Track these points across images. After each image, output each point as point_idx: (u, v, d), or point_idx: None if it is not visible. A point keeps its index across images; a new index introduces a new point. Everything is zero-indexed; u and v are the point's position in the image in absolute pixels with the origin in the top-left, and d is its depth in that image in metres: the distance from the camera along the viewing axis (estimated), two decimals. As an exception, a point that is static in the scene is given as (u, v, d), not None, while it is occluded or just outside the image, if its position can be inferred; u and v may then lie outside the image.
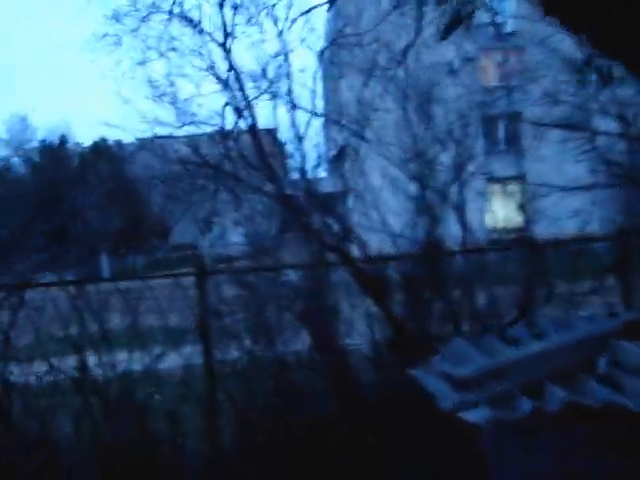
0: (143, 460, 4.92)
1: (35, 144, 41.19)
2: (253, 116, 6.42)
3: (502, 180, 11.78)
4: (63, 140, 43.60)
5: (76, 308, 4.85)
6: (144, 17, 6.84)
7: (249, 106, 6.40)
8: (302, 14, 6.45)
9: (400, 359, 4.96)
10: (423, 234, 5.51)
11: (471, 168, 6.04)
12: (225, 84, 6.43)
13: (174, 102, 6.51)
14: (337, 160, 10.52)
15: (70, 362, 4.94)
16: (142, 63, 6.72)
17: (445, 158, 6.08)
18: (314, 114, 6.33)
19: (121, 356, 5.07)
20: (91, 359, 4.98)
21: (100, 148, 41.96)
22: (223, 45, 6.52)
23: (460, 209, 5.67)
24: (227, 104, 6.44)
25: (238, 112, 6.42)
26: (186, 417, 5.11)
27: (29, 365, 4.85)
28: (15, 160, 41.11)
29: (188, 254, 38.05)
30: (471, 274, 5.38)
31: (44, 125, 47.18)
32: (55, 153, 41.60)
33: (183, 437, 5.12)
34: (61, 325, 4.87)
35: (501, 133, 24.18)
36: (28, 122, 41.19)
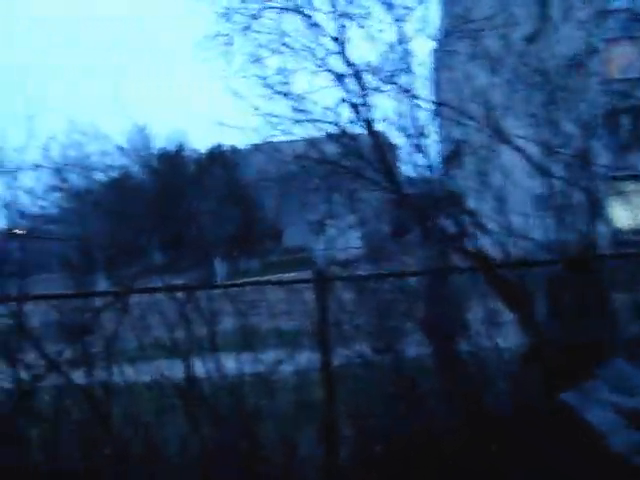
0: (253, 469, 4.74)
1: (154, 152, 42.61)
2: (370, 112, 6.15)
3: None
4: (180, 147, 44.96)
5: (184, 313, 4.73)
6: (255, 14, 6.71)
7: (366, 101, 6.13)
8: (421, 2, 6.11)
9: (536, 371, 4.54)
10: (566, 237, 5.01)
11: (609, 164, 5.53)
12: (340, 79, 6.19)
13: (288, 99, 6.33)
14: (455, 157, 10.05)
15: (177, 366, 4.82)
16: (255, 61, 6.57)
17: (579, 153, 5.60)
18: (436, 107, 5.97)
19: (230, 361, 4.92)
20: (199, 364, 4.84)
21: (215, 154, 42.99)
22: (337, 39, 6.29)
23: (603, 209, 5.16)
24: (343, 100, 6.21)
25: (354, 108, 6.16)
26: (299, 424, 4.89)
27: (134, 368, 4.78)
28: (135, 168, 42.65)
29: (301, 257, 38.40)
30: (626, 281, 4.83)
31: (162, 133, 48.62)
32: (172, 160, 42.90)
33: (296, 445, 4.89)
34: (169, 329, 4.77)
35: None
36: (147, 131, 42.59)
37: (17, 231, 6.51)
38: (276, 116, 6.34)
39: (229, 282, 5.22)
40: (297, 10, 6.49)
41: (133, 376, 4.78)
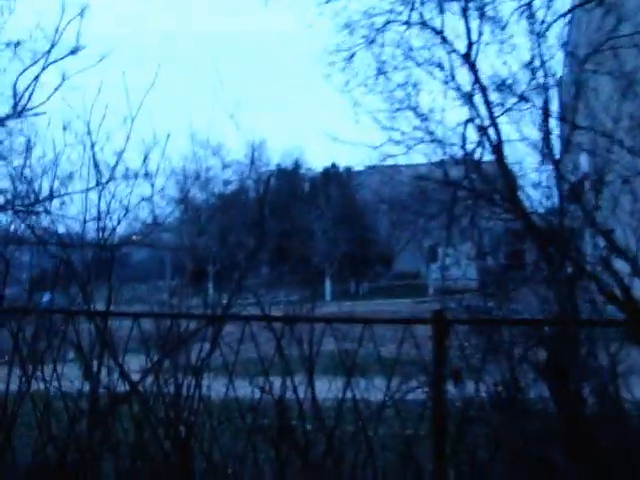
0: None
1: (271, 168, 43.20)
2: (499, 135, 5.65)
3: None
4: (296, 165, 45.42)
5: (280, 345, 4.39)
6: (380, 28, 6.37)
7: (494, 122, 5.64)
8: (561, 15, 5.57)
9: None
10: None
11: None
12: (468, 99, 5.73)
13: (414, 115, 5.92)
14: (579, 189, 9.32)
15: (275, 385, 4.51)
16: (378, 74, 6.22)
17: None
18: (572, 131, 5.38)
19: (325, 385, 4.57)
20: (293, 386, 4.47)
21: (330, 174, 43.13)
22: (466, 55, 5.84)
23: None
24: (469, 120, 5.74)
25: (482, 130, 5.68)
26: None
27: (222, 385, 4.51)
28: (251, 184, 43.38)
29: (412, 283, 37.81)
30: None
31: (280, 149, 49.02)
32: (288, 177, 43.36)
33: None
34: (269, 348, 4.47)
35: None
36: (265, 147, 43.24)
37: (134, 237, 6.48)
38: (399, 132, 5.96)
39: (333, 316, 4.82)
40: (424, 23, 6.11)
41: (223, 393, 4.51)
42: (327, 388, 4.59)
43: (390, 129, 5.99)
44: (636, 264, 4.70)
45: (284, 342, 4.42)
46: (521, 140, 5.66)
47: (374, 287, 40.70)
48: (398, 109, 5.98)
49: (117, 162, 5.14)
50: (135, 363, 4.68)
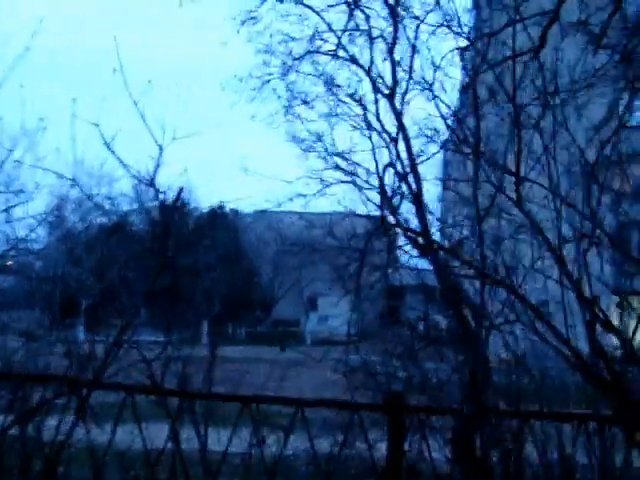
0: None
1: (156, 202, 42.05)
2: (418, 182, 5.46)
3: None
4: (183, 201, 44.31)
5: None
6: (301, 56, 6.01)
7: (415, 170, 5.44)
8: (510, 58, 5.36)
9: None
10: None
11: None
12: (390, 141, 5.51)
13: (326, 156, 5.70)
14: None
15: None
16: (288, 109, 5.92)
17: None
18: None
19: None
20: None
21: (217, 214, 42.60)
22: (390, 96, 5.62)
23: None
24: (390, 165, 5.53)
25: (400, 177, 5.49)
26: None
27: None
28: (135, 217, 42.16)
29: (289, 331, 37.64)
30: None
31: (168, 184, 47.95)
32: (174, 212, 42.37)
33: None
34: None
35: None
36: (154, 180, 42.21)
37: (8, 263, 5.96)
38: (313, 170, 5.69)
39: (255, 396, 3.87)
40: (351, 59, 5.83)
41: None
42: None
43: (304, 166, 5.77)
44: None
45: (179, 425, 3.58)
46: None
47: (252, 332, 40.20)
48: (311, 146, 5.74)
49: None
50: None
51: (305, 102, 6.01)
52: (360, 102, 5.74)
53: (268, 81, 6.18)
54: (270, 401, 3.87)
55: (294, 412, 3.56)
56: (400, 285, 8.34)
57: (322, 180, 5.90)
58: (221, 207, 42.37)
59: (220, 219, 42.36)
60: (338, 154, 5.75)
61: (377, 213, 5.90)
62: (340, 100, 5.83)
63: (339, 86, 5.82)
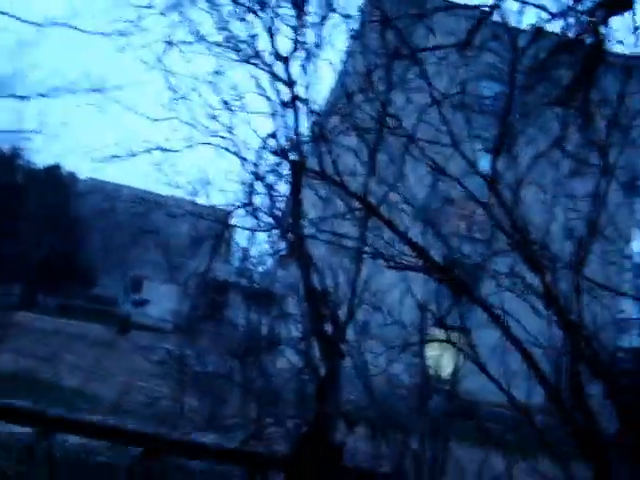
0: None
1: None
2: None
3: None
4: (15, 153, 41.29)
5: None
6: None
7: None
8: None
9: None
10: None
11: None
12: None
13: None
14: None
15: None
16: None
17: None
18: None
19: None
20: None
21: (52, 173, 40.28)
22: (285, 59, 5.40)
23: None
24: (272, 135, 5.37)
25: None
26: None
27: None
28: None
29: (106, 309, 36.21)
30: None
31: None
32: (6, 166, 39.67)
33: None
34: None
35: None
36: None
37: None
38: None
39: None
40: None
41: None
42: None
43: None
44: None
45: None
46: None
47: (65, 304, 38.20)
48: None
49: None
50: None
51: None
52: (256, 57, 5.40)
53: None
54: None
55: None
56: (225, 281, 8.21)
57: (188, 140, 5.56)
58: (57, 166, 40.13)
59: (53, 180, 40.09)
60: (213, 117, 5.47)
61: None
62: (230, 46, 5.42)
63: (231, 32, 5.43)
